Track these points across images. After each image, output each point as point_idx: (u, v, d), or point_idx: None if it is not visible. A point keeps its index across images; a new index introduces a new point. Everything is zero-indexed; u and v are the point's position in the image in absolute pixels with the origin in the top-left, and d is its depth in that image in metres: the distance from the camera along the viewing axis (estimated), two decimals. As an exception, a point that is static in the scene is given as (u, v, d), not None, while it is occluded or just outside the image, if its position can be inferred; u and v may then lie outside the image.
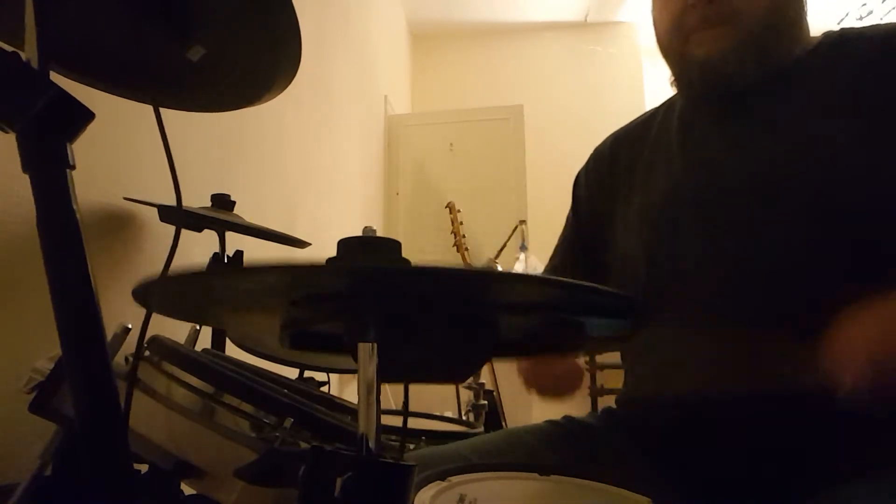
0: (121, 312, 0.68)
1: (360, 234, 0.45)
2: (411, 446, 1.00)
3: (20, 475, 0.71)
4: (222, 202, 1.25)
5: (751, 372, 0.71)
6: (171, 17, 0.56)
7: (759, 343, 0.71)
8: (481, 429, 1.58)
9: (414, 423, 1.35)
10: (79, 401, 0.43)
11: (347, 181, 2.97)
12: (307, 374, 1.30)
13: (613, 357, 0.94)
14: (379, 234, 0.45)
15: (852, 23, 3.76)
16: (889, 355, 0.57)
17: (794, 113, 0.75)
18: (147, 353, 0.72)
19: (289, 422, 0.62)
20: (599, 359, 2.65)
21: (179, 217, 0.95)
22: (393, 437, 0.98)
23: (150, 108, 0.61)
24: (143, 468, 0.66)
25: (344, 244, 0.43)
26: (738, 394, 0.71)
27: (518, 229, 3.04)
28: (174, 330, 0.84)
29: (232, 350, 1.19)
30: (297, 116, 2.23)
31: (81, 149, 0.46)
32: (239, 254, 1.34)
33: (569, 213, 1.03)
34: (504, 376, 2.73)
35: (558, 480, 0.67)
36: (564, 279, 0.37)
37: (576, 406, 0.97)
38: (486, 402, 2.19)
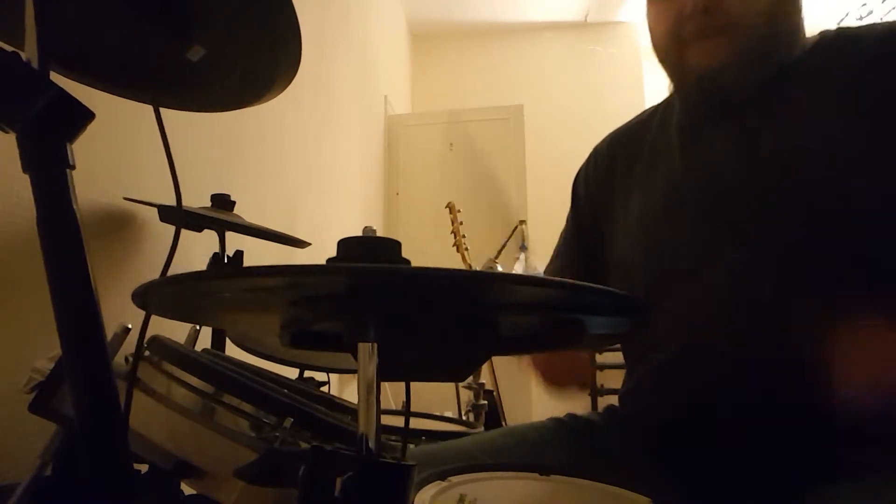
0: (121, 312, 0.68)
1: (360, 234, 0.45)
2: (412, 446, 1.00)
3: (20, 475, 0.71)
4: (222, 202, 1.25)
5: (752, 371, 0.71)
6: (171, 17, 0.56)
7: (761, 343, 0.71)
8: (481, 429, 1.58)
9: (414, 422, 1.35)
10: (79, 401, 0.43)
11: (347, 181, 2.97)
12: (307, 374, 1.30)
13: (613, 357, 0.94)
14: (379, 234, 0.45)
15: (852, 23, 3.75)
16: (888, 371, 0.58)
17: (793, 114, 0.75)
18: (147, 353, 0.72)
19: (289, 422, 0.62)
20: (599, 359, 2.65)
21: (179, 217, 0.95)
22: (393, 438, 0.98)
23: (150, 108, 0.61)
24: (143, 468, 0.66)
25: (344, 244, 0.43)
26: (739, 394, 0.71)
27: (518, 229, 3.03)
28: (174, 330, 0.84)
29: (232, 350, 1.19)
30: (297, 116, 2.23)
31: (81, 149, 0.46)
32: (239, 254, 1.34)
33: (569, 213, 1.03)
34: (504, 376, 2.73)
35: (558, 480, 0.67)
36: (563, 280, 0.37)
37: (576, 406, 0.97)
38: (486, 402, 2.19)
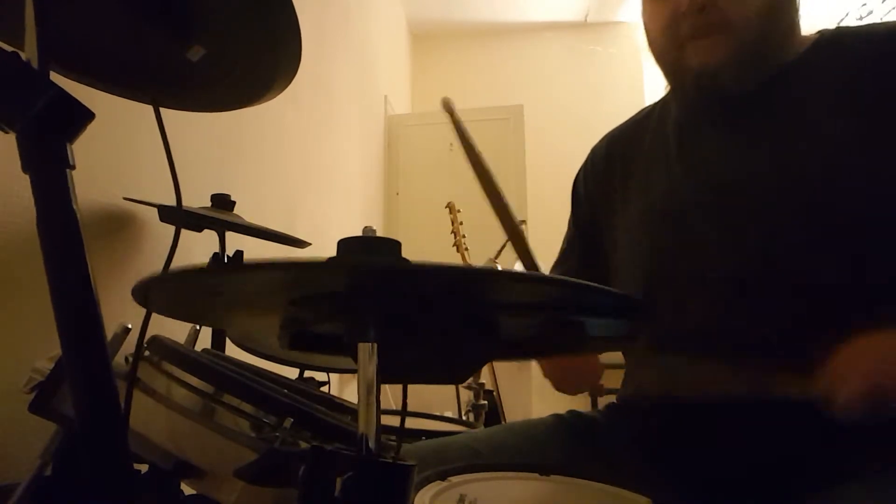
0: (121, 312, 0.68)
1: (360, 234, 0.45)
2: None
3: (20, 475, 0.71)
4: (222, 202, 1.25)
5: (752, 374, 0.71)
6: (171, 17, 0.56)
7: (761, 344, 0.71)
8: (481, 429, 1.58)
9: (414, 422, 1.35)
10: (79, 401, 0.43)
11: (347, 181, 2.97)
12: (307, 374, 1.30)
13: (614, 357, 0.94)
14: (379, 234, 0.45)
15: (852, 23, 3.74)
16: (885, 377, 0.58)
17: (792, 113, 0.75)
18: (147, 353, 0.72)
19: (289, 422, 0.62)
20: (600, 358, 2.65)
21: (179, 217, 0.95)
22: (393, 438, 0.98)
23: (150, 108, 0.61)
24: (144, 468, 0.66)
25: (344, 244, 0.43)
26: (740, 395, 0.71)
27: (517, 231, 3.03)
28: (174, 330, 0.84)
29: (232, 350, 1.19)
30: (297, 116, 2.23)
31: (81, 149, 0.46)
32: (239, 254, 1.34)
33: (570, 217, 1.03)
34: (504, 376, 2.73)
35: (558, 480, 0.67)
36: (563, 278, 0.37)
37: (577, 404, 0.97)
38: (486, 402, 2.19)
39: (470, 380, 2.17)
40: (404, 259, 0.43)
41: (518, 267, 0.88)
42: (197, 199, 1.25)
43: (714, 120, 0.81)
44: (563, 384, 0.93)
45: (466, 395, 2.25)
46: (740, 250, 0.73)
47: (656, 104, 0.94)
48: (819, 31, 0.80)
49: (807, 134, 0.72)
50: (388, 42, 3.91)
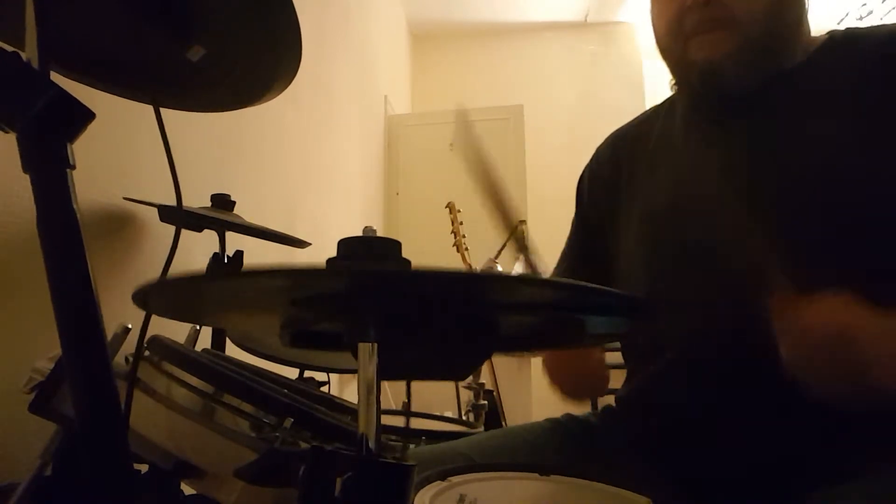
0: (121, 312, 0.68)
1: (360, 234, 0.45)
2: (411, 446, 1.00)
3: (20, 475, 0.71)
4: (222, 202, 1.25)
5: (752, 372, 0.71)
6: (171, 17, 0.56)
7: (761, 343, 0.71)
8: (481, 429, 1.58)
9: (414, 422, 1.35)
10: (79, 401, 0.43)
11: (347, 181, 2.97)
12: (307, 374, 1.30)
13: (614, 357, 0.94)
14: (379, 234, 0.45)
15: (852, 23, 3.75)
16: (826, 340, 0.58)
17: (797, 114, 0.75)
18: (147, 353, 0.72)
19: (289, 422, 0.62)
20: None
21: (179, 217, 0.95)
22: (393, 438, 0.98)
23: (150, 108, 0.61)
24: (144, 468, 0.66)
25: (344, 244, 0.43)
26: (739, 394, 0.71)
27: (518, 229, 3.03)
28: (174, 330, 0.84)
29: (232, 350, 1.19)
30: (297, 116, 2.23)
31: (81, 149, 0.46)
32: (239, 254, 1.34)
33: (574, 215, 1.03)
34: (504, 376, 2.73)
35: (558, 480, 0.67)
36: (563, 280, 0.37)
37: (574, 407, 0.97)
38: (486, 402, 2.19)
39: (470, 380, 2.17)
40: (405, 263, 0.43)
41: (519, 267, 0.88)
42: (197, 199, 1.25)
43: (719, 118, 0.81)
44: (570, 392, 0.92)
45: (466, 395, 2.25)
46: (742, 250, 0.73)
47: (663, 103, 0.94)
48: (829, 32, 0.80)
49: (811, 134, 0.72)
50: (388, 42, 3.91)
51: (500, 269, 2.42)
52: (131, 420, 0.58)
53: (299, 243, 1.38)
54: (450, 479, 0.62)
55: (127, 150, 1.27)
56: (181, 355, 0.71)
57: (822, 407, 0.63)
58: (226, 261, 1.31)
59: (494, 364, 2.62)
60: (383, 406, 0.46)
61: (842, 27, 0.80)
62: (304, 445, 0.63)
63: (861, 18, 3.95)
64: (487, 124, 3.75)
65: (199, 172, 1.57)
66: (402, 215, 3.65)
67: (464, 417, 2.20)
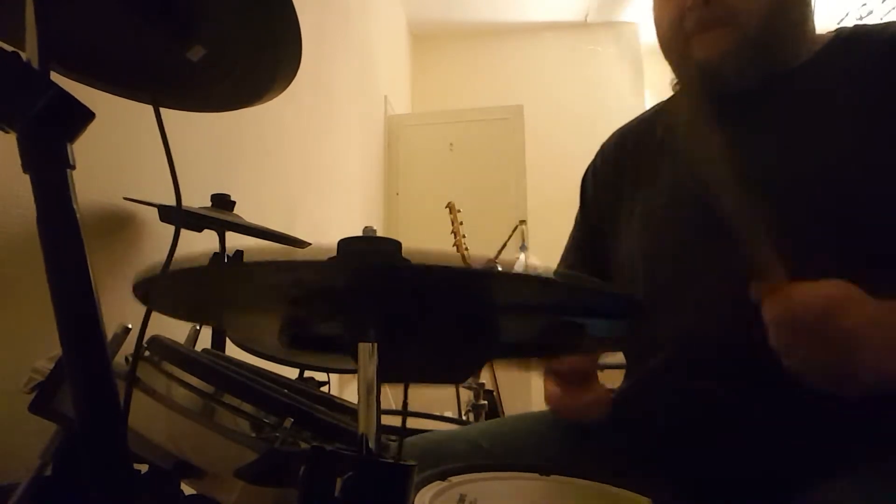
0: (121, 312, 0.68)
1: (360, 234, 0.45)
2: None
3: (20, 475, 0.71)
4: (222, 202, 1.25)
5: (751, 371, 0.71)
6: (171, 17, 0.56)
7: (759, 343, 0.71)
8: (483, 421, 1.57)
9: (414, 422, 1.35)
10: (79, 401, 0.43)
11: (347, 181, 2.97)
12: (307, 374, 1.30)
13: (614, 357, 0.94)
14: (379, 234, 0.45)
15: (852, 23, 3.74)
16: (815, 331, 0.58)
17: (801, 111, 0.75)
18: (147, 353, 0.72)
19: (289, 422, 0.62)
20: (600, 358, 2.65)
21: (179, 217, 0.95)
22: (393, 438, 0.97)
23: (150, 108, 0.61)
24: (144, 468, 0.66)
25: (344, 244, 0.43)
26: (739, 394, 0.71)
27: (518, 229, 3.03)
28: (174, 330, 0.84)
29: (232, 350, 1.19)
30: (297, 116, 2.23)
31: (81, 149, 0.46)
32: (239, 254, 1.34)
33: (577, 213, 1.03)
34: (504, 376, 2.73)
35: (558, 480, 0.67)
36: (564, 277, 0.37)
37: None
38: (486, 402, 2.19)
39: (470, 380, 2.17)
40: (405, 262, 0.43)
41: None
42: (197, 199, 1.25)
43: (721, 115, 0.81)
44: (568, 414, 0.92)
45: (466, 395, 2.25)
46: (742, 247, 0.73)
47: (666, 101, 0.94)
48: (836, 30, 0.79)
49: (815, 132, 0.72)
50: (388, 42, 3.91)
51: (499, 269, 2.42)
52: (131, 420, 0.58)
53: (299, 243, 1.38)
54: (450, 479, 0.63)
55: (127, 150, 1.27)
56: (181, 355, 0.71)
57: (821, 406, 0.63)
58: (226, 261, 1.31)
59: (494, 364, 2.62)
60: (383, 406, 0.46)
61: (858, 24, 0.80)
62: (304, 445, 0.63)
63: (861, 18, 3.95)
64: (487, 124, 3.75)
65: (199, 172, 1.57)
66: (402, 215, 3.65)
67: (464, 417, 2.20)
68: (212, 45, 0.58)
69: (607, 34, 4.53)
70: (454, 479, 0.63)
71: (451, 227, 2.59)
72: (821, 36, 0.80)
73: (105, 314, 0.45)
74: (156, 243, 1.34)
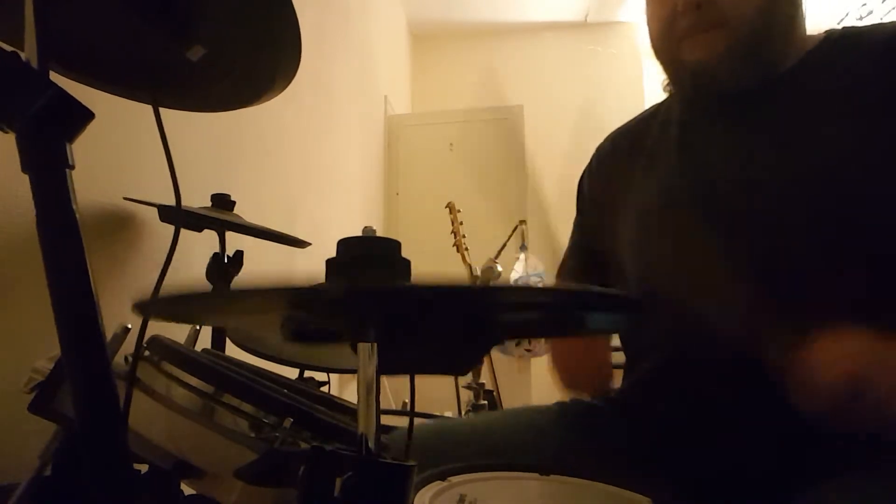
0: (121, 312, 0.68)
1: (360, 234, 0.45)
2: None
3: (20, 475, 0.71)
4: (222, 202, 1.25)
5: (748, 370, 0.71)
6: (171, 18, 0.56)
7: (755, 343, 0.71)
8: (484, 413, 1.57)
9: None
10: (79, 401, 0.43)
11: (347, 181, 2.97)
12: (307, 374, 1.30)
13: (615, 357, 0.94)
14: (379, 234, 0.45)
15: (852, 23, 3.74)
16: (865, 369, 0.58)
17: (794, 114, 0.75)
18: (147, 353, 0.72)
19: (289, 422, 0.62)
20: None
21: (179, 217, 0.95)
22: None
23: (150, 108, 0.61)
24: (144, 468, 0.66)
25: (344, 244, 0.43)
26: (739, 392, 0.71)
27: (518, 229, 3.03)
28: (174, 330, 0.83)
29: (232, 350, 1.19)
30: (297, 116, 2.23)
31: (81, 149, 0.46)
32: (239, 254, 1.34)
33: (575, 218, 1.03)
34: (504, 376, 2.73)
35: (558, 480, 0.66)
36: (563, 286, 0.37)
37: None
38: (486, 402, 2.19)
39: (470, 380, 2.17)
40: (405, 263, 0.43)
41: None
42: (197, 199, 1.25)
43: (714, 117, 0.82)
44: (569, 382, 0.93)
45: (466, 395, 2.25)
46: (738, 248, 0.73)
47: (662, 103, 0.94)
48: (826, 31, 0.80)
49: (808, 133, 0.72)
50: (388, 42, 3.91)
51: (499, 269, 2.42)
52: (131, 420, 0.58)
53: (299, 243, 1.38)
54: (450, 479, 0.62)
55: (127, 150, 1.27)
56: (181, 355, 0.71)
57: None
58: (226, 261, 1.31)
59: (494, 364, 2.62)
60: (383, 406, 0.46)
61: (847, 26, 0.80)
62: (304, 445, 0.63)
63: (861, 18, 3.95)
64: (487, 124, 3.75)
65: (199, 172, 1.57)
66: (402, 215, 3.65)
67: (463, 417, 2.20)
68: (211, 44, 0.58)
69: (607, 34, 4.52)
70: (454, 479, 0.63)
71: (451, 227, 2.59)
72: (811, 37, 0.80)
73: (105, 314, 0.45)
74: (156, 243, 1.34)
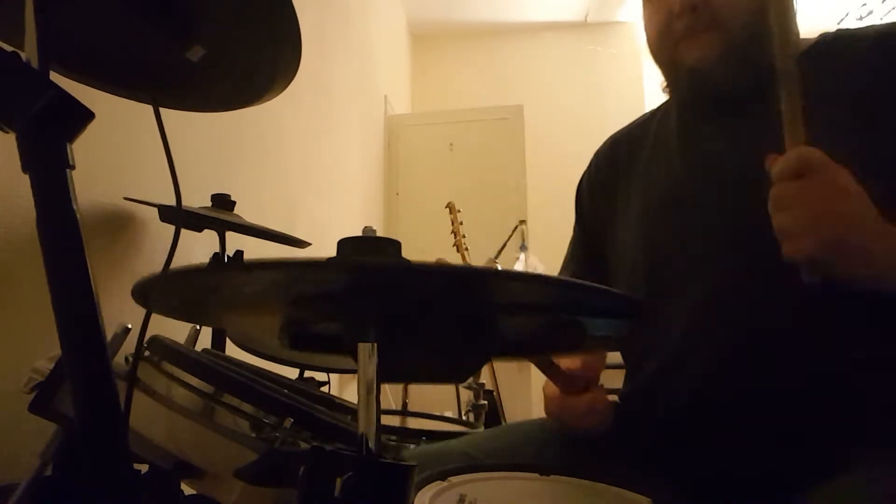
0: (121, 312, 0.68)
1: (360, 234, 0.45)
2: (411, 446, 1.00)
3: (20, 475, 0.71)
4: (222, 202, 1.25)
5: (752, 370, 0.71)
6: (171, 18, 0.56)
7: (759, 342, 0.71)
8: (481, 429, 1.58)
9: (414, 423, 1.35)
10: (79, 401, 0.43)
11: (347, 181, 2.97)
12: (307, 374, 1.30)
13: (614, 357, 0.94)
14: (379, 234, 0.45)
15: (852, 23, 3.75)
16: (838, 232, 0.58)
17: None
18: (147, 353, 0.72)
19: (289, 422, 0.62)
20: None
21: (179, 217, 0.95)
22: (393, 438, 0.98)
23: (150, 108, 0.61)
24: (144, 468, 0.66)
25: (344, 244, 0.43)
26: (739, 393, 0.71)
27: (518, 229, 3.04)
28: (174, 330, 0.84)
29: (232, 350, 1.19)
30: (297, 116, 2.23)
31: (81, 149, 0.46)
32: (239, 254, 1.34)
33: (575, 224, 1.03)
34: (504, 376, 2.73)
35: (558, 480, 0.67)
36: (563, 278, 0.37)
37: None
38: (486, 402, 2.19)
39: (470, 380, 2.17)
40: (405, 259, 0.43)
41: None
42: (197, 199, 1.25)
43: (712, 118, 0.82)
44: (565, 388, 0.91)
45: (466, 395, 2.25)
46: (737, 249, 0.74)
47: (659, 107, 0.95)
48: (820, 34, 0.81)
49: (810, 131, 0.72)
50: (388, 42, 3.91)
51: (499, 268, 2.42)
52: (131, 420, 0.58)
53: (299, 243, 1.39)
54: (450, 479, 0.63)
55: (127, 150, 1.27)
56: (181, 355, 0.71)
57: (821, 406, 0.63)
58: (226, 261, 1.31)
59: (494, 364, 2.62)
60: (383, 406, 0.46)
61: (841, 27, 0.81)
62: (304, 445, 0.63)
63: (861, 18, 3.95)
64: (487, 124, 3.75)
65: (199, 172, 1.57)
66: (402, 215, 3.65)
67: (464, 417, 2.20)
68: (212, 45, 0.58)
69: (607, 34, 4.52)
70: (454, 479, 0.63)
71: (451, 227, 2.59)
72: (805, 40, 0.81)
73: (105, 314, 0.45)
74: (156, 243, 1.34)
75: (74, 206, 0.45)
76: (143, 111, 0.64)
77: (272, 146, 2.04)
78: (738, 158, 0.77)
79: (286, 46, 0.55)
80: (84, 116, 0.46)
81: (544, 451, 0.82)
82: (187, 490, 0.70)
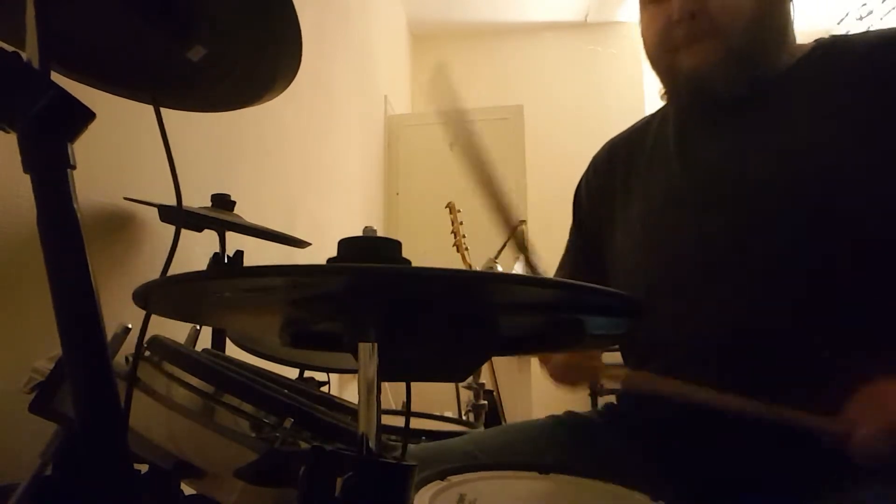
0: (121, 312, 0.68)
1: (360, 234, 0.45)
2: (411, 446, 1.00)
3: (20, 475, 0.71)
4: (222, 202, 1.25)
5: (751, 370, 0.71)
6: (172, 17, 0.56)
7: (760, 342, 0.71)
8: (481, 429, 1.58)
9: (414, 422, 1.35)
10: (79, 401, 0.43)
11: (347, 181, 2.97)
12: (307, 374, 1.30)
13: (614, 357, 0.94)
14: (379, 234, 0.45)
15: (852, 23, 3.74)
16: None
17: (787, 120, 0.76)
18: (147, 353, 0.72)
19: (289, 422, 0.62)
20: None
21: (179, 217, 0.94)
22: (393, 438, 0.98)
23: (150, 108, 0.61)
24: (144, 468, 0.66)
25: (344, 244, 0.43)
26: (739, 393, 0.71)
27: (518, 229, 3.03)
28: (174, 330, 0.84)
29: (232, 350, 1.19)
30: (297, 116, 2.23)
31: (81, 149, 0.46)
32: (239, 254, 1.34)
33: (572, 225, 1.04)
34: (504, 376, 2.73)
35: (558, 480, 0.67)
36: (563, 280, 0.37)
37: (576, 404, 0.96)
38: (486, 402, 2.19)
39: (470, 380, 2.17)
40: (405, 263, 0.43)
41: (518, 267, 0.88)
42: (197, 199, 1.25)
43: (710, 123, 0.83)
44: (559, 377, 0.92)
45: (466, 395, 2.25)
46: (738, 251, 0.74)
47: (657, 112, 0.96)
48: (816, 40, 0.82)
49: (800, 137, 0.74)
50: (388, 42, 3.91)
51: (500, 269, 2.42)
52: (131, 420, 0.58)
53: (299, 243, 1.38)
54: (449, 478, 0.63)
55: (127, 150, 1.27)
56: (181, 355, 0.71)
57: (821, 407, 0.63)
58: (226, 261, 1.31)
59: (494, 364, 2.62)
60: (383, 406, 0.46)
61: (841, 28, 0.81)
62: (304, 445, 0.63)
63: (861, 18, 3.95)
64: (487, 124, 3.75)
65: (199, 172, 1.57)
66: (402, 215, 3.65)
67: (464, 417, 2.20)
68: (212, 45, 0.58)
69: (607, 34, 4.52)
70: (454, 478, 0.63)
71: (451, 227, 2.59)
72: (800, 46, 0.82)
73: (105, 314, 0.45)
74: (156, 243, 1.34)
75: (75, 206, 0.45)
76: (143, 111, 0.64)
77: (272, 146, 2.04)
78: (736, 162, 0.78)
79: (286, 46, 0.55)
80: (85, 116, 0.46)
81: (544, 450, 0.82)
82: (187, 490, 0.70)
